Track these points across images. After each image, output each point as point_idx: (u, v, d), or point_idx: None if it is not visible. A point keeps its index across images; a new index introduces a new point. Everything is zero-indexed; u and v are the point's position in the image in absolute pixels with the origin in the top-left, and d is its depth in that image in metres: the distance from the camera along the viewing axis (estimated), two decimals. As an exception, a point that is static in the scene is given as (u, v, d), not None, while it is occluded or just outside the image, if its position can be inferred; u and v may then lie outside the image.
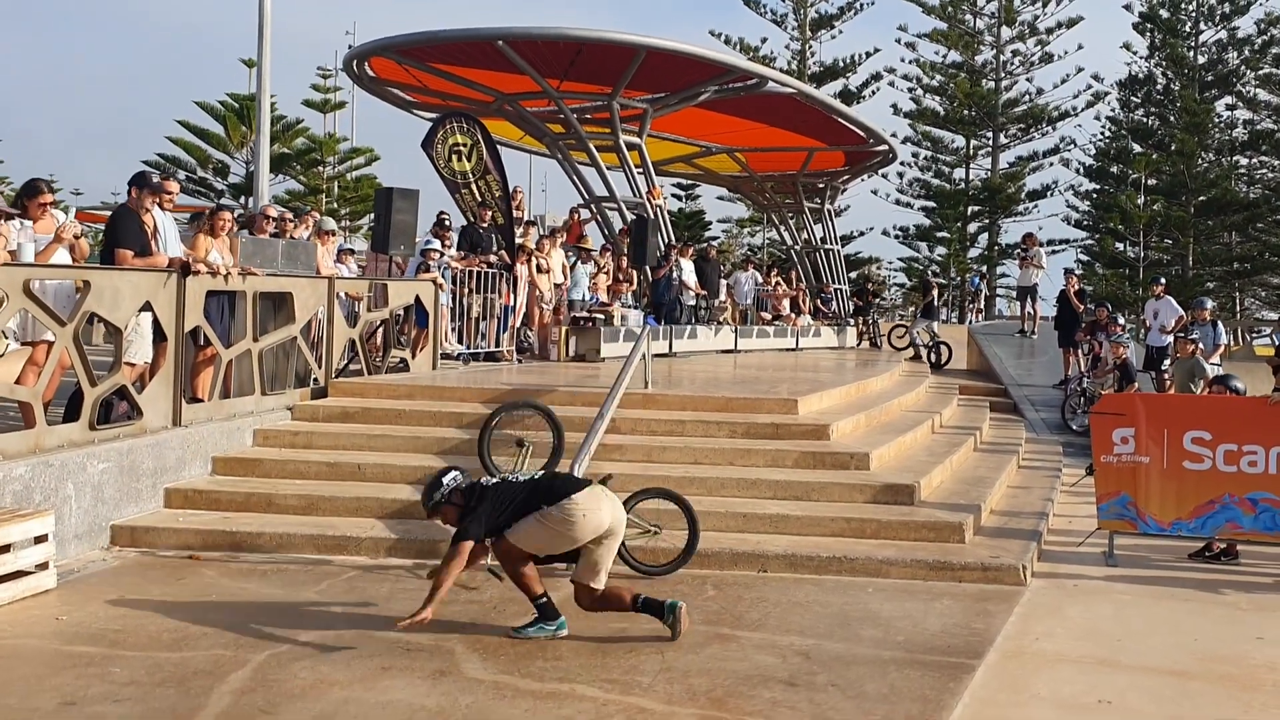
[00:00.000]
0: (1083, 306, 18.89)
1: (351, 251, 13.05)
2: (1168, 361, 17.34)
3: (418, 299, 12.99)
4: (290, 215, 12.97)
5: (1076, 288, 19.28)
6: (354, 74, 22.63)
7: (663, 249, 19.94)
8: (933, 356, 22.25)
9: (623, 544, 7.39)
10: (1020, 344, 23.33)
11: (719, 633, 6.35)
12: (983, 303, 37.69)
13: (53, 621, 6.31)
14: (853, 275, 40.68)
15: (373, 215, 13.27)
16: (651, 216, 20.75)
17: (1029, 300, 23.74)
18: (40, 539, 6.93)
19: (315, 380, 11.20)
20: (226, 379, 9.97)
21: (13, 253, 8.02)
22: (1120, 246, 43.22)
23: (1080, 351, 17.89)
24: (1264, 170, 44.55)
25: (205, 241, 9.91)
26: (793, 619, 6.69)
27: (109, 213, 10.80)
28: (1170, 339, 17.68)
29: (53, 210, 8.88)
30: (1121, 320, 16.26)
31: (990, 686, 5.57)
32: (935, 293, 25.09)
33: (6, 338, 8.19)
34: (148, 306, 8.83)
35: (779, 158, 29.24)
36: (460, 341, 14.62)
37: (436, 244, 13.85)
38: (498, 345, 15.43)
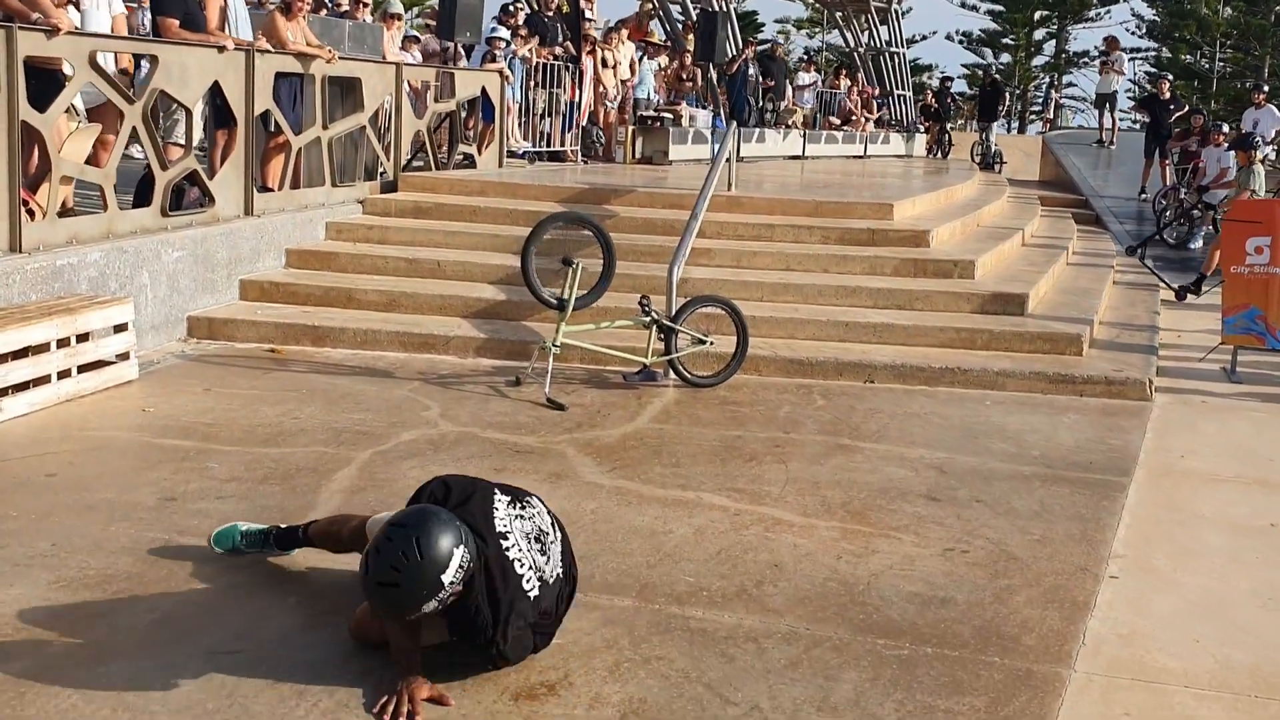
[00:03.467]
0: (1178, 112, 17.93)
1: (416, 39, 12.30)
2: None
3: (484, 91, 12.31)
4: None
5: (1167, 94, 18.25)
6: None
7: (733, 45, 18.97)
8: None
9: (676, 357, 6.99)
10: (1097, 154, 22.39)
11: (839, 443, 5.98)
12: (1052, 111, 36.30)
13: (139, 414, 6.02)
14: (922, 80, 39.19)
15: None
16: (719, 9, 19.66)
17: (1108, 108, 22.63)
18: (120, 328, 6.59)
19: (384, 173, 10.69)
20: (296, 168, 9.47)
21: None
22: (1190, 59, 41.35)
23: (1170, 161, 17.01)
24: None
25: (283, 24, 9.25)
26: (914, 431, 6.31)
27: None
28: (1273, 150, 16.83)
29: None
30: (1225, 128, 15.35)
31: (1147, 505, 5.19)
32: (1005, 97, 24.05)
33: (77, 115, 7.69)
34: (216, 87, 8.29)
35: (848, -48, 27.68)
36: (525, 139, 13.98)
37: (504, 32, 13.07)
38: (562, 144, 14.77)
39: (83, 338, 6.28)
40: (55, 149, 6.99)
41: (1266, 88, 18.09)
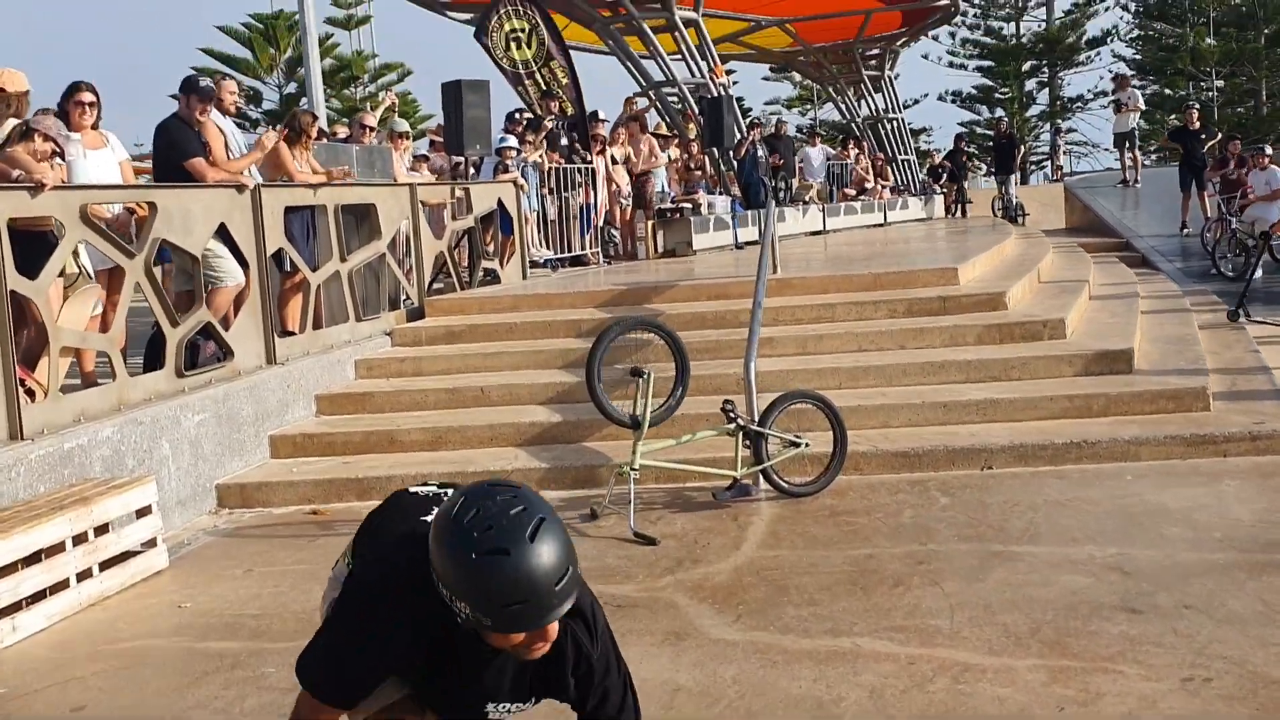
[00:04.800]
0: (1209, 143, 17.27)
1: (425, 159, 11.70)
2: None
3: (500, 204, 11.67)
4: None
5: (1197, 124, 17.61)
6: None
7: (740, 128, 18.44)
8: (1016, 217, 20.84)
9: (769, 465, 6.16)
10: (1124, 194, 21.70)
11: (990, 550, 5.11)
12: (1061, 159, 35.79)
13: (176, 611, 5.19)
14: (919, 144, 38.90)
15: (441, 115, 11.90)
16: (719, 95, 19.17)
17: (1127, 147, 22.00)
18: (143, 511, 5.78)
19: (409, 300, 9.98)
20: (316, 308, 8.76)
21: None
22: (1185, 91, 40.96)
23: (1211, 190, 16.27)
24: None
25: (288, 154, 8.61)
26: (1067, 523, 5.44)
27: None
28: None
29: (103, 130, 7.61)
30: (1268, 150, 14.67)
31: (1390, 590, 4.30)
32: (1020, 150, 23.51)
33: (88, 278, 7.01)
34: (222, 230, 7.61)
35: (833, 25, 27.35)
36: (546, 246, 13.31)
37: (513, 140, 12.47)
38: (583, 247, 14.10)
39: (102, 529, 5.47)
40: (51, 318, 6.26)
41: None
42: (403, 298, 10.00)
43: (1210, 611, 4.17)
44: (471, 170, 12.18)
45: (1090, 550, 4.99)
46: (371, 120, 10.67)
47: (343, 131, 12.31)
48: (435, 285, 11.31)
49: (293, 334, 8.44)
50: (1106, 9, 43.66)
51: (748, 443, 6.26)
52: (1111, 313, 9.81)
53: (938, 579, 4.77)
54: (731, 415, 6.16)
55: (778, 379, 7.66)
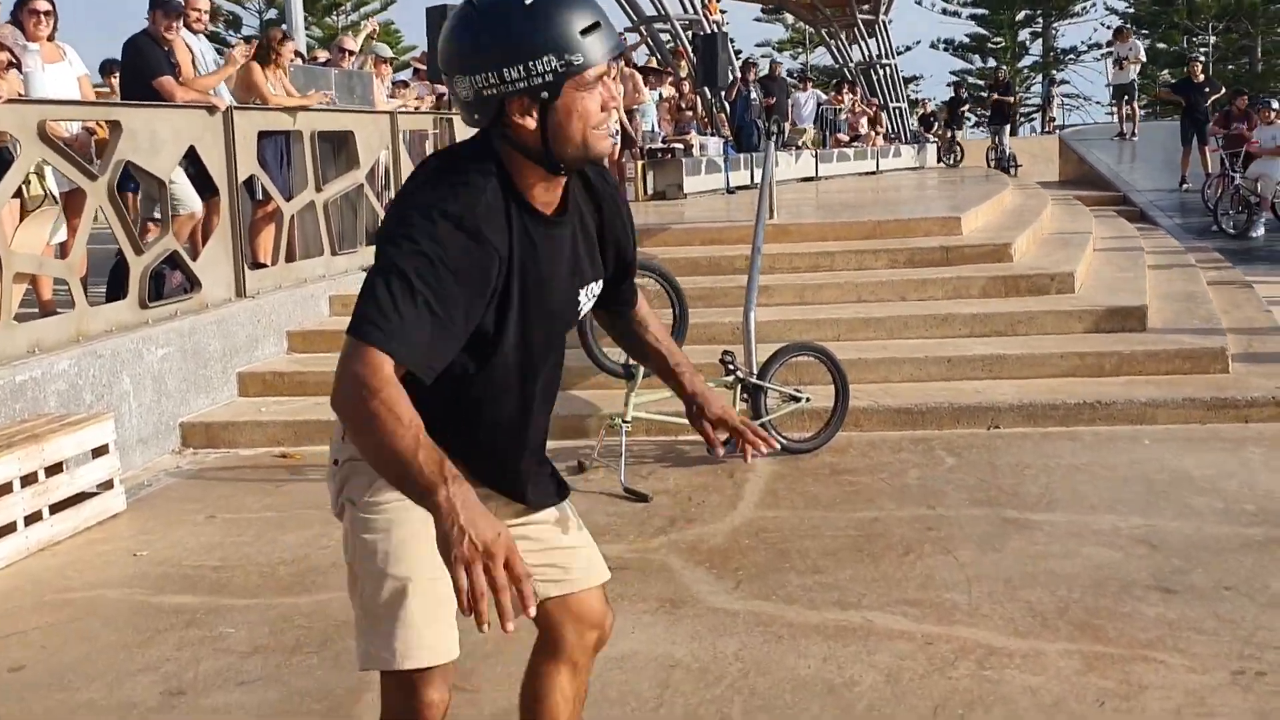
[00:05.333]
0: (1214, 94, 16.88)
1: (405, 84, 11.19)
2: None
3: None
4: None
5: (1201, 77, 17.19)
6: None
7: (734, 68, 17.93)
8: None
9: (768, 420, 5.81)
10: (1120, 147, 21.31)
11: (1004, 517, 4.79)
12: (1055, 111, 35.32)
13: (130, 560, 4.82)
14: (915, 95, 38.39)
15: (425, 43, 11.38)
16: (714, 32, 18.62)
17: (1126, 99, 21.58)
18: (100, 451, 5.40)
19: (388, 234, 9.53)
20: (290, 239, 8.33)
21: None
22: (1179, 46, 40.42)
23: (1213, 145, 15.88)
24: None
25: (262, 76, 8.12)
26: (1084, 490, 5.12)
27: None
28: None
29: (59, 42, 7.12)
30: (1275, 104, 14.28)
31: None
32: (1014, 99, 23.09)
33: (54, 200, 6.57)
34: (191, 154, 7.16)
35: (830, -34, 26.81)
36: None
37: (501, 70, 11.95)
38: (570, 185, 13.62)
39: (54, 469, 5.09)
40: (4, 241, 5.82)
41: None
42: (382, 231, 9.54)
43: (1253, 595, 3.85)
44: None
45: (1113, 520, 4.66)
46: (352, 44, 10.16)
47: (323, 56, 11.79)
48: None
49: (265, 266, 8.02)
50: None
51: (746, 396, 5.90)
52: (1119, 267, 9.47)
53: (950, 547, 4.45)
54: (731, 367, 5.79)
55: (775, 329, 7.31)
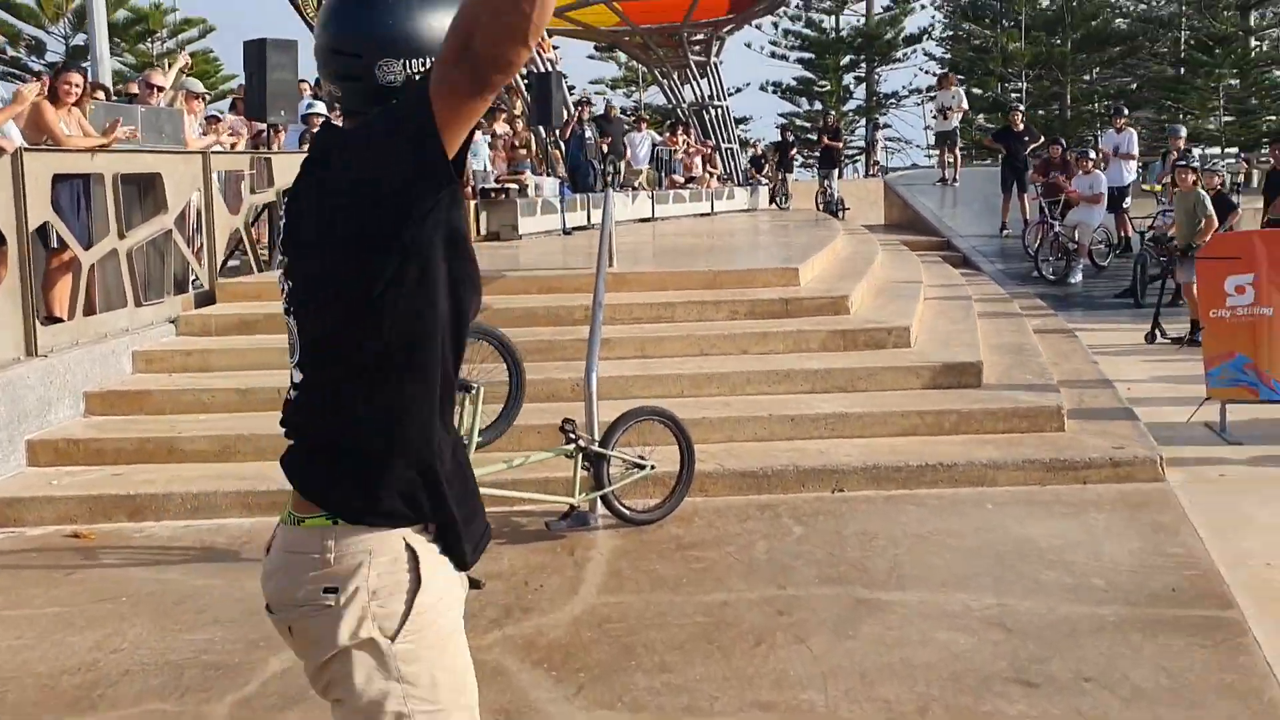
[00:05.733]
0: (1033, 143, 17.46)
1: (218, 118, 10.55)
2: (1129, 200, 16.14)
3: (309, 176, 10.63)
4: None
5: (1020, 126, 17.77)
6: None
7: (568, 106, 17.74)
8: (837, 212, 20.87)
9: (611, 491, 5.54)
10: (942, 193, 21.89)
11: (855, 597, 4.59)
12: (879, 154, 36.23)
13: (-117, 673, 4.20)
14: (745, 135, 38.98)
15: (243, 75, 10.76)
16: (548, 70, 18.39)
17: (948, 146, 22.20)
18: None
19: (198, 283, 8.93)
20: (90, 291, 7.67)
21: None
22: (993, 92, 42.15)
23: (1033, 193, 16.38)
24: (1138, 3, 43.79)
25: (52, 114, 7.45)
26: (933, 562, 4.98)
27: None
28: (1133, 176, 16.44)
29: None
30: (1092, 154, 14.80)
31: (1296, 656, 3.94)
32: (841, 143, 23.57)
33: None
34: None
35: (661, 6, 26.85)
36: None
37: (321, 107, 11.44)
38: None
39: None
40: None
41: (1126, 111, 17.74)
42: (192, 280, 8.94)
43: (1113, 686, 3.71)
44: (276, 139, 11.11)
45: (964, 599, 4.51)
46: (161, 79, 9.52)
47: (136, 87, 11.05)
48: (232, 264, 10.26)
49: (60, 321, 7.35)
50: (922, 7, 44.51)
51: (588, 465, 5.59)
52: (951, 319, 9.54)
53: (803, 634, 4.21)
54: (572, 435, 5.47)
55: (616, 385, 7.07)
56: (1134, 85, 42.48)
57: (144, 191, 8.37)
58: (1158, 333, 10.51)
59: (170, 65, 11.89)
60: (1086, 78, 43.10)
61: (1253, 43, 40.09)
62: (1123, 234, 15.96)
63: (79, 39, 31.57)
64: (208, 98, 10.12)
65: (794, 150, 24.53)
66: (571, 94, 45.12)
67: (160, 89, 9.42)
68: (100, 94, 10.11)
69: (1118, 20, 42.84)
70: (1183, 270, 10.44)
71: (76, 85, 7.56)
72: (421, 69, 1.76)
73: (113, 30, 33.09)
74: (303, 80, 13.08)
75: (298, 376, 1.88)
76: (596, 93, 45.89)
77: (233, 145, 10.22)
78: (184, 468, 6.42)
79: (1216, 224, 10.36)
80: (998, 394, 7.16)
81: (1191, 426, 7.27)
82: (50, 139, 7.32)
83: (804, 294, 8.71)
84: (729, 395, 7.21)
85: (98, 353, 7.27)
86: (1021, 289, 14.10)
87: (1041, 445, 6.45)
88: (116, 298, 7.90)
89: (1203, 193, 10.41)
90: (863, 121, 43.87)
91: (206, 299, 8.83)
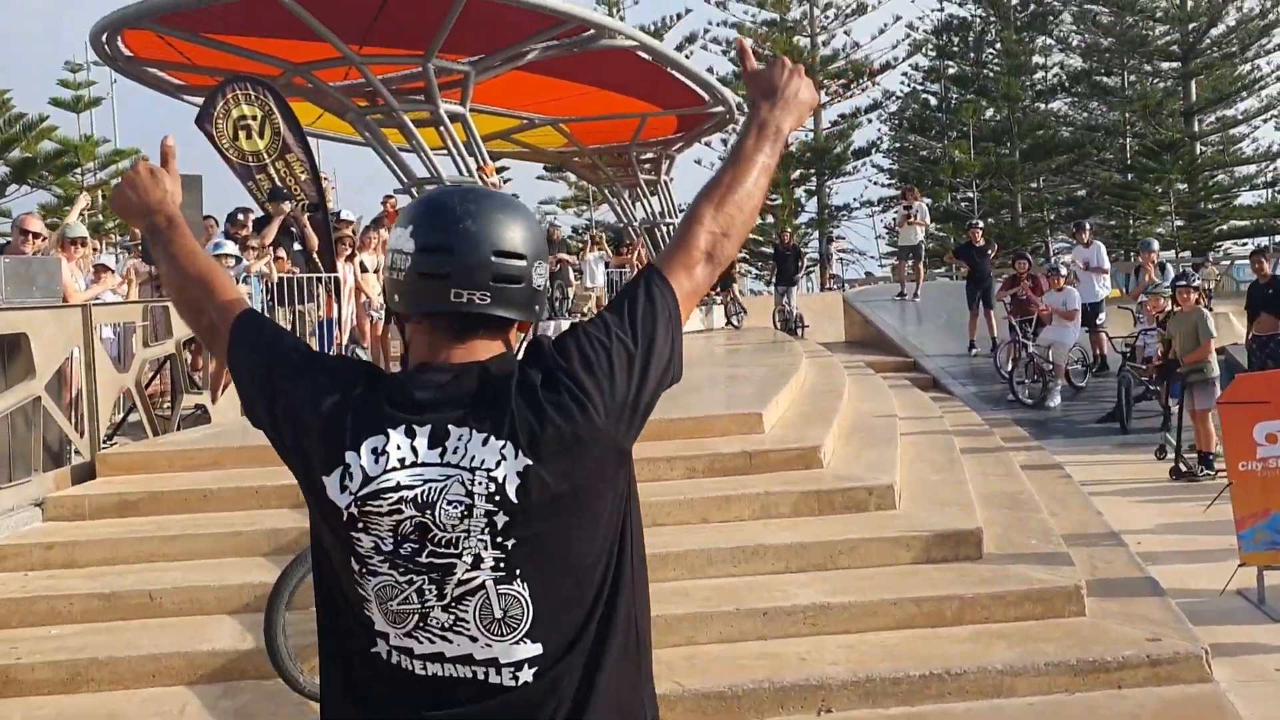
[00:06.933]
0: (996, 259, 16.77)
1: (106, 268, 9.42)
2: (1102, 316, 15.37)
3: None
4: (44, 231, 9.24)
5: (981, 241, 17.08)
6: (105, 54, 18.55)
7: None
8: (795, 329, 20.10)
9: None
10: (903, 308, 21.15)
11: None
12: (834, 267, 35.72)
13: None
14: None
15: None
16: (488, 196, 17.50)
17: (913, 261, 21.52)
18: None
19: (74, 454, 7.76)
20: (-70, 474, 6.50)
21: None
22: (943, 202, 42.07)
23: (1003, 311, 15.58)
24: (1082, 112, 44.14)
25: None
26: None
27: None
28: (1106, 291, 15.71)
29: None
30: (1063, 270, 14.05)
31: None
32: (802, 261, 22.88)
33: None
34: None
35: (609, 127, 26.38)
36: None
37: (230, 246, 10.41)
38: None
39: None
40: None
41: (1089, 225, 17.09)
42: (71, 451, 7.78)
43: None
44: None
45: None
46: (36, 225, 8.44)
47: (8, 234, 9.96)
48: (130, 424, 9.13)
49: (-116, 516, 6.15)
50: (870, 121, 44.64)
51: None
52: (934, 464, 8.52)
53: None
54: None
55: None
56: (1083, 192, 42.63)
57: (9, 353, 7.25)
58: (1181, 466, 9.59)
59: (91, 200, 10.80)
60: (1035, 185, 43.14)
61: (1199, 148, 40.32)
62: (1098, 352, 15.17)
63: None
64: (88, 242, 9.02)
65: (734, 268, 23.67)
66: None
67: (37, 235, 8.35)
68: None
69: (1063, 129, 43.09)
70: (1200, 397, 9.57)
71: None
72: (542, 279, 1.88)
73: (38, 162, 32.13)
74: (209, 217, 12.13)
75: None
76: (547, 212, 45.50)
77: (125, 295, 9.12)
78: (19, 703, 5.20)
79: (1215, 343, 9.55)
80: (1003, 569, 6.08)
81: (1226, 597, 6.25)
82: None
83: (770, 444, 7.67)
84: (688, 579, 6.09)
85: (-72, 554, 6.06)
86: (998, 414, 13.20)
87: (1064, 639, 5.37)
88: (-34, 481, 6.72)
89: (1205, 311, 9.61)
90: (815, 234, 43.60)
91: (86, 473, 7.66)
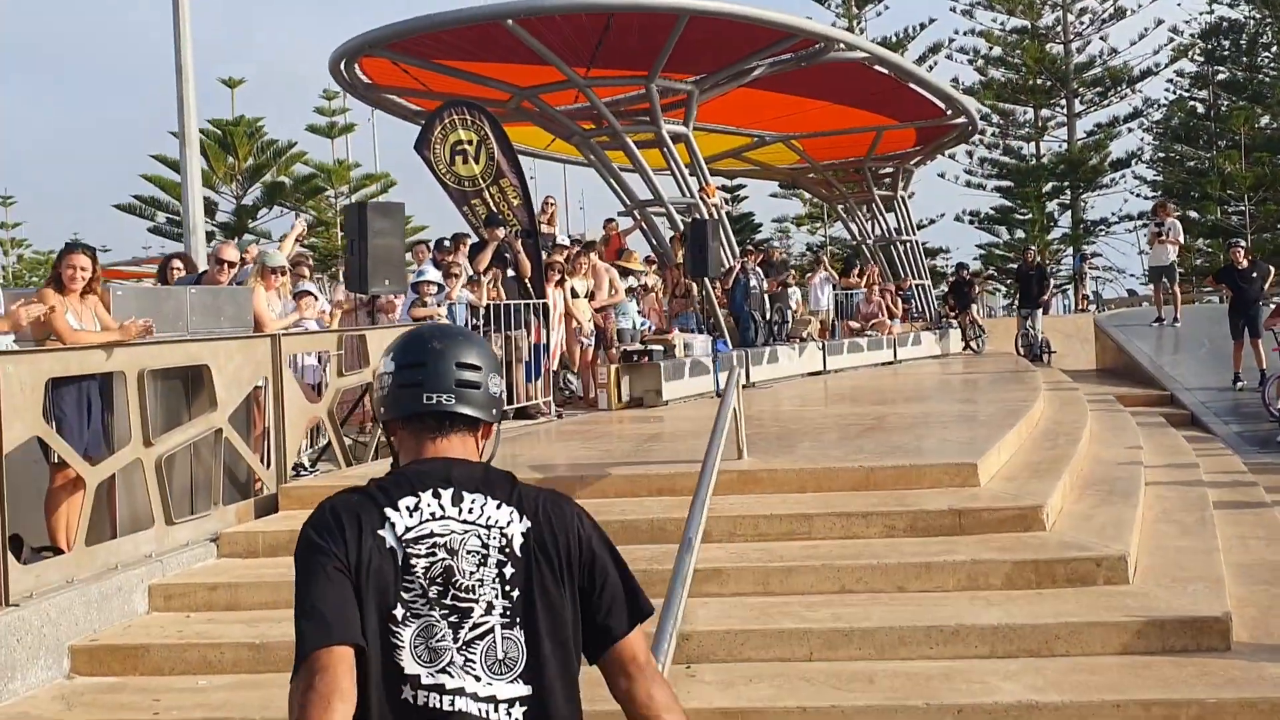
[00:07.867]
0: (1262, 280, 15.04)
1: (308, 292, 9.47)
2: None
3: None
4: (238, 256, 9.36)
5: (1245, 262, 15.37)
6: (345, 81, 19.24)
7: (729, 255, 16.34)
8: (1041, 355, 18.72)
9: None
10: (1159, 335, 19.40)
11: None
12: (1087, 286, 33.58)
13: None
14: (943, 269, 36.98)
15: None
16: (709, 217, 17.04)
17: (1167, 282, 19.74)
18: None
19: (260, 487, 7.69)
20: (111, 512, 6.49)
21: None
22: (1212, 216, 38.98)
23: (1274, 342, 13.93)
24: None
25: (55, 299, 6.40)
26: None
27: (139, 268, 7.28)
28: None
29: None
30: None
31: None
32: (1049, 283, 21.40)
33: None
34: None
35: (843, 142, 25.56)
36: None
37: (432, 273, 10.28)
38: (530, 397, 11.84)
39: None
40: None
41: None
42: (256, 484, 7.72)
43: None
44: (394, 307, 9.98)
45: None
46: (231, 254, 8.46)
47: (205, 263, 10.12)
48: (322, 459, 9.10)
49: (57, 552, 6.14)
50: (1130, 130, 41.85)
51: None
52: (1181, 524, 7.44)
53: None
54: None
55: (722, 643, 5.41)
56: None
57: (195, 385, 7.23)
58: None
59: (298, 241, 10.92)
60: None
61: None
62: (1388, 389, 13.31)
63: (250, 198, 32.29)
64: (287, 270, 9.01)
65: (973, 288, 22.19)
66: (757, 232, 44.17)
67: (232, 264, 8.38)
68: (179, 263, 9.20)
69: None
70: None
71: (83, 270, 6.47)
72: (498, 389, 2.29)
73: (288, 186, 33.84)
74: (421, 242, 12.11)
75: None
76: (780, 230, 44.79)
77: (327, 324, 9.07)
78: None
79: None
80: (1258, 668, 5.07)
81: None
82: (54, 334, 6.23)
83: (984, 501, 6.82)
84: (874, 660, 5.37)
85: (95, 593, 5.98)
86: (1264, 457, 11.69)
87: (1334, 766, 4.38)
88: (144, 515, 6.68)
89: None
90: (1069, 251, 41.22)
91: (269, 506, 7.58)
